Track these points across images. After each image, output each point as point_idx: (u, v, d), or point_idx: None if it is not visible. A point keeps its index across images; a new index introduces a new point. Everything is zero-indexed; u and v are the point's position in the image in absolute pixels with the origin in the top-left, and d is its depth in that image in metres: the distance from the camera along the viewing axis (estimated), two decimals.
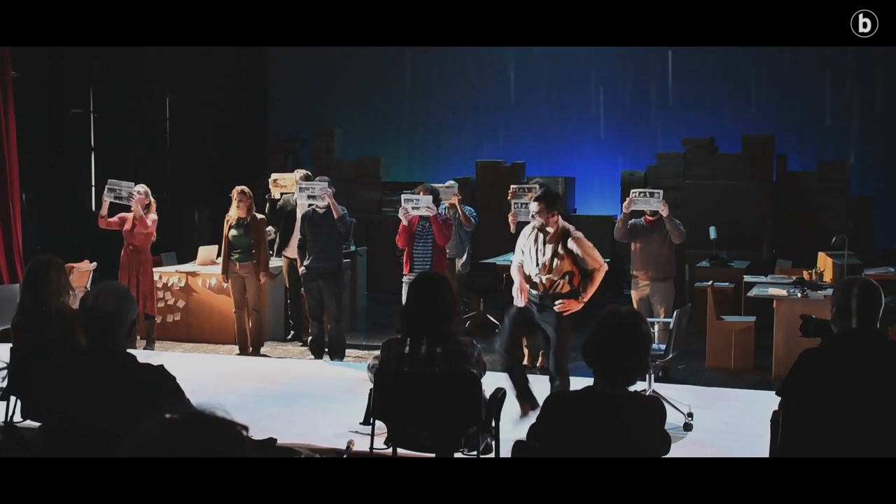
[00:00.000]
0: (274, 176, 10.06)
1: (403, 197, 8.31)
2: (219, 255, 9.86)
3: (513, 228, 8.40)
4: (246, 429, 1.66)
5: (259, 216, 9.38)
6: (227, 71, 13.84)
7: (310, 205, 8.74)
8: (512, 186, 9.35)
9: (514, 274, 6.82)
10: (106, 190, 9.03)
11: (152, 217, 9.19)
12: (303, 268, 8.87)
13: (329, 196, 8.57)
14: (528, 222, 6.80)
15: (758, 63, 12.96)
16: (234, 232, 9.24)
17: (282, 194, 9.88)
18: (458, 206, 8.83)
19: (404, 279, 8.31)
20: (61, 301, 5.73)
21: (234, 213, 9.26)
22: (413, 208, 8.18)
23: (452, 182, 9.15)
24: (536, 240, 6.68)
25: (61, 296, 5.76)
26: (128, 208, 9.13)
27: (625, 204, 8.09)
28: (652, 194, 8.09)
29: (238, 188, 9.29)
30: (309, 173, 9.83)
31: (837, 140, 12.82)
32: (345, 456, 3.90)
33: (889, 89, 12.72)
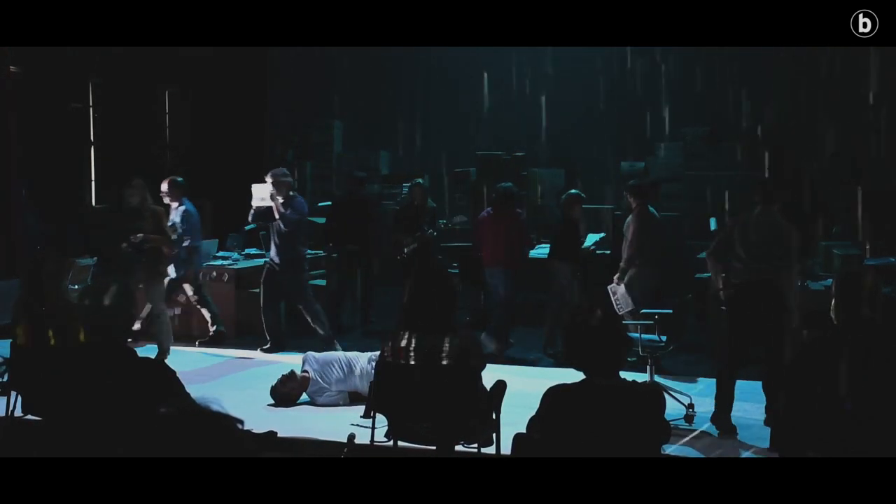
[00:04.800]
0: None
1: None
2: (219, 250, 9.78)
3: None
4: (241, 422, 1.66)
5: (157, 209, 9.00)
6: (226, 64, 13.81)
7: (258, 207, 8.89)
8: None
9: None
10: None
11: None
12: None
13: (272, 197, 8.71)
14: None
15: (760, 54, 12.92)
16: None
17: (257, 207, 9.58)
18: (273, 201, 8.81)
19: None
20: (61, 296, 5.74)
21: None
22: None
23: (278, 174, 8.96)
24: None
25: (61, 291, 5.77)
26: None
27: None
28: None
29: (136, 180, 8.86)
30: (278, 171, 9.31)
31: (839, 132, 12.78)
32: (345, 449, 3.90)
33: (891, 82, 12.67)
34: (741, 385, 7.77)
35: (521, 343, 9.54)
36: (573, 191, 9.43)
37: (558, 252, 9.12)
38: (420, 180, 11.28)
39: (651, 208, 8.70)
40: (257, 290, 10.34)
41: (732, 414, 6.62)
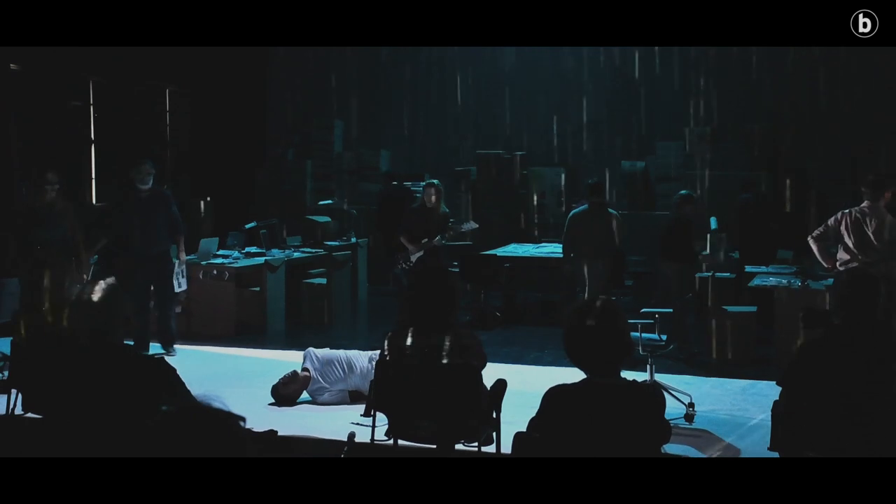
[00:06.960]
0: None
1: None
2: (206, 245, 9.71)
3: None
4: (243, 420, 1.66)
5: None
6: (227, 62, 13.81)
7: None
8: None
9: None
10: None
11: None
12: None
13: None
14: None
15: (760, 52, 12.92)
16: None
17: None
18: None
19: None
20: (61, 295, 5.75)
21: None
22: None
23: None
24: None
25: (61, 290, 5.77)
26: None
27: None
28: None
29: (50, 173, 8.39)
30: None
31: (839, 129, 12.77)
32: (345, 448, 3.91)
33: (891, 81, 12.67)
34: (741, 385, 7.79)
35: (521, 343, 9.54)
36: (683, 191, 9.63)
37: (667, 252, 9.18)
38: (436, 181, 9.96)
39: (611, 209, 9.33)
40: (258, 289, 10.36)
41: (732, 414, 6.61)
